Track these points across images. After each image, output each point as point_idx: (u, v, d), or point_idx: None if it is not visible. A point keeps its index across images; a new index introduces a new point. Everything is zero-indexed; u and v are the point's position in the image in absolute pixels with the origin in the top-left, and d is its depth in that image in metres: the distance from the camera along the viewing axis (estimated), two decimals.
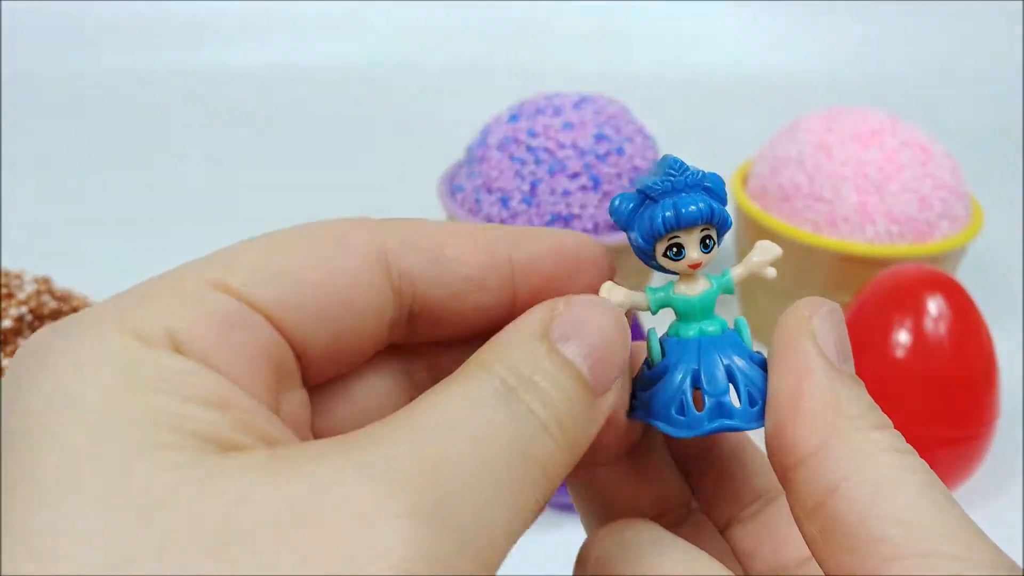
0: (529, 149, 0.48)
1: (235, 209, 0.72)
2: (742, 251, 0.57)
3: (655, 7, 1.11)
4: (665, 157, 0.18)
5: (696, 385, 0.18)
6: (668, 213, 0.18)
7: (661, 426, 0.18)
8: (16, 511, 0.12)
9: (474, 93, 0.82)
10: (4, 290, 0.40)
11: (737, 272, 0.19)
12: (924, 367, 0.40)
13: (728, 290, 0.19)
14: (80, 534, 0.12)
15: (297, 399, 0.17)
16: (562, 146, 0.47)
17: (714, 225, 0.18)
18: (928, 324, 0.40)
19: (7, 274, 0.40)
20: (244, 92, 0.99)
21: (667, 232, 0.18)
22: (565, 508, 0.43)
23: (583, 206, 0.47)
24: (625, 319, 0.17)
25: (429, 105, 0.96)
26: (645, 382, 0.19)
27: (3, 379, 0.14)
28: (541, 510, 0.15)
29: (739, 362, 0.18)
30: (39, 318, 0.40)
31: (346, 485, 0.12)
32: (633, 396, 0.19)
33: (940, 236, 0.50)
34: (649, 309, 0.19)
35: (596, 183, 0.47)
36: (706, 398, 0.18)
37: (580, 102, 0.50)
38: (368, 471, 0.13)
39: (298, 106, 0.96)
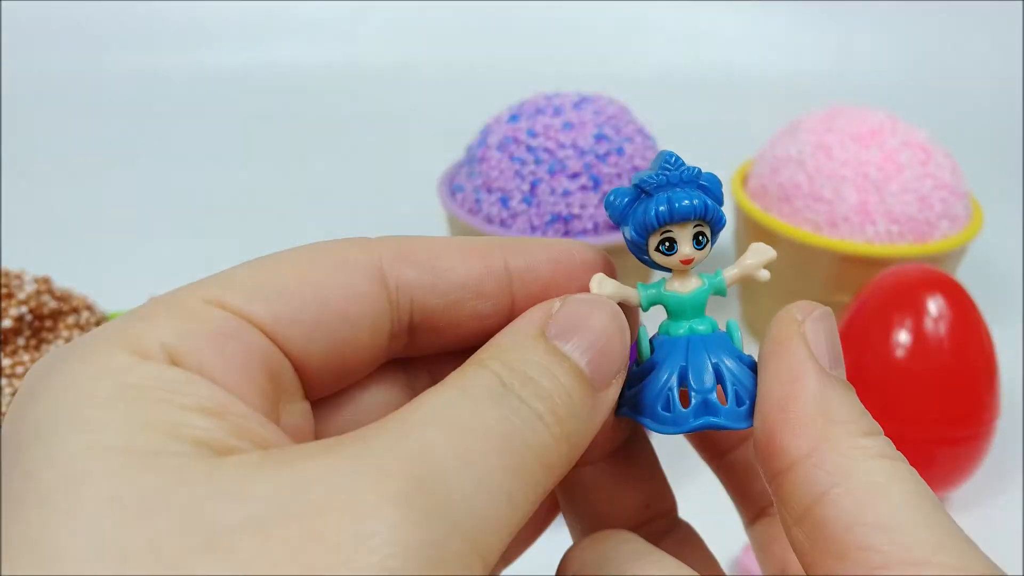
0: (529, 149, 0.48)
1: (235, 209, 0.72)
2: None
3: (655, 7, 1.11)
4: (661, 152, 0.18)
5: (683, 383, 0.18)
6: (662, 207, 0.18)
7: (647, 422, 0.18)
8: (16, 512, 0.12)
9: (474, 93, 0.82)
10: (4, 290, 0.40)
11: (730, 273, 0.19)
12: (924, 367, 0.40)
13: (720, 290, 0.19)
14: (78, 534, 0.12)
15: (299, 411, 0.17)
16: (562, 146, 0.48)
17: (707, 222, 0.18)
18: (928, 324, 0.40)
19: (7, 274, 0.40)
20: (244, 92, 0.99)
21: (660, 225, 0.18)
22: None
23: (583, 206, 0.47)
24: (624, 315, 0.17)
25: (429, 105, 0.96)
26: (633, 379, 0.19)
27: (15, 397, 0.15)
28: (541, 500, 0.15)
29: (728, 362, 0.18)
30: (39, 318, 0.40)
31: (334, 477, 0.13)
32: (620, 393, 0.19)
33: (940, 236, 0.50)
34: (639, 304, 0.19)
35: (596, 183, 0.47)
36: (693, 395, 0.18)
37: (580, 102, 0.50)
38: (356, 463, 0.13)
39: (299, 106, 0.96)
